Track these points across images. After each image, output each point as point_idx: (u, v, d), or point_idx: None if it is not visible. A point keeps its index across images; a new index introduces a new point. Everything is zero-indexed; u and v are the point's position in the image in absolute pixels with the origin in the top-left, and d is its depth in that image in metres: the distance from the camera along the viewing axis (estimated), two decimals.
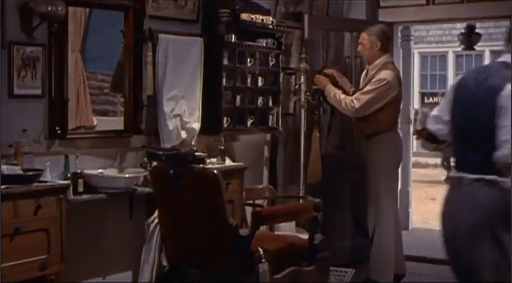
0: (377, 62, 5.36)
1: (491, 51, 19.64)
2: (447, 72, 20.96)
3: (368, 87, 5.27)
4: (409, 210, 8.16)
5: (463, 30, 8.45)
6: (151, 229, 4.10)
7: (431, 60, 21.40)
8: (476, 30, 8.35)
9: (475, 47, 8.53)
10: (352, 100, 5.29)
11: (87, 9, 4.69)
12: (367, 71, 5.51)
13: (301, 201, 5.68)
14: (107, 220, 4.59)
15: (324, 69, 5.71)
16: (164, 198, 3.59)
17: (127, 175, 4.34)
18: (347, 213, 6.14)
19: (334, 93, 5.40)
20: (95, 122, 4.84)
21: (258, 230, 3.41)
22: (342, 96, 5.38)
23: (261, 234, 3.48)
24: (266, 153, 6.06)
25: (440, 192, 10.86)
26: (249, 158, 5.54)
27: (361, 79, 5.59)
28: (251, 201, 5.21)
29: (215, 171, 3.33)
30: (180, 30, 5.01)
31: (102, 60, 5.00)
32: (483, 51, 19.65)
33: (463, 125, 2.99)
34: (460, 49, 18.66)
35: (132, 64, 4.65)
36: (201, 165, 3.64)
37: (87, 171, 4.30)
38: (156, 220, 3.92)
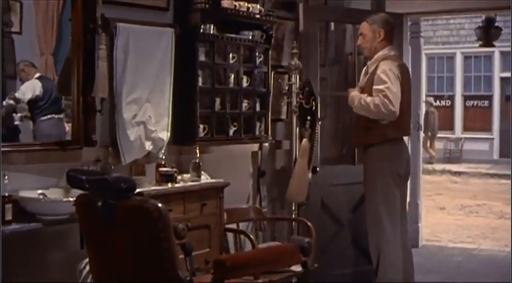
0: (377, 55, 4.75)
1: (501, 53, 19.14)
2: (455, 75, 20.58)
3: (378, 86, 4.59)
4: (419, 224, 7.55)
5: (480, 24, 7.68)
6: (82, 277, 3.24)
7: (438, 61, 21.03)
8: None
9: (494, 43, 7.74)
10: (384, 101, 4.55)
11: (59, 8, 4.12)
12: (367, 68, 4.86)
13: (293, 223, 5.13)
14: (52, 252, 3.82)
15: None
16: (94, 239, 2.72)
17: (71, 199, 3.47)
18: (348, 235, 5.61)
19: (359, 99, 4.71)
20: (67, 129, 4.15)
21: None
22: (368, 98, 4.66)
23: None
24: (252, 167, 5.36)
25: (449, 201, 10.63)
26: (231, 173, 4.83)
27: (361, 77, 4.95)
28: (234, 225, 4.62)
29: (159, 205, 2.45)
30: (146, 19, 4.30)
31: None
32: (492, 52, 19.18)
33: None
34: (468, 50, 18.07)
35: (81, 60, 3.89)
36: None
37: (22, 194, 3.56)
38: (88, 267, 3.07)
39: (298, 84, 5.13)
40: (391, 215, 4.72)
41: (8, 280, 3.43)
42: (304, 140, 5.04)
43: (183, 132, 4.48)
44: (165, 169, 4.20)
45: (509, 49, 18.22)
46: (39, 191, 3.67)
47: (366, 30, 4.78)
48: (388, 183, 4.70)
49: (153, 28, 4.28)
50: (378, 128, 4.67)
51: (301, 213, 5.14)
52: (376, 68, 4.67)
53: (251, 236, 4.35)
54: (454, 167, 17.82)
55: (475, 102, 20.54)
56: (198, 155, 4.41)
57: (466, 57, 20.54)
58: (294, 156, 5.21)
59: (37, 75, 4.05)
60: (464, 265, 6.77)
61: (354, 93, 4.77)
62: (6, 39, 3.90)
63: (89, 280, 3.31)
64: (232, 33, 4.74)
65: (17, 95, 3.98)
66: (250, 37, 4.86)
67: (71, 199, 3.53)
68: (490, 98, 20.21)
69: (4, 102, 3.88)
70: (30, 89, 4.03)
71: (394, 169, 4.74)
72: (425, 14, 6.91)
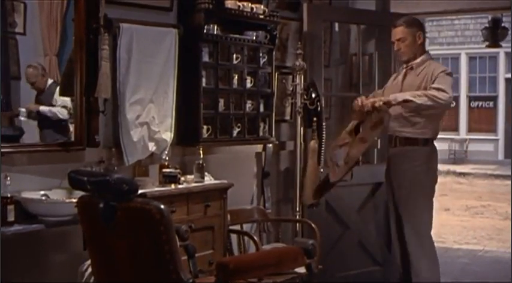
0: (419, 59, 4.53)
1: (506, 53, 19.08)
2: (460, 75, 20.52)
3: (438, 81, 4.37)
4: None
5: (486, 25, 7.60)
6: (84, 279, 3.20)
7: (443, 62, 20.99)
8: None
9: (501, 43, 7.66)
10: (437, 90, 4.29)
11: (63, 9, 4.06)
12: (407, 70, 4.60)
13: (297, 225, 5.05)
14: (54, 254, 3.79)
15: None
16: (95, 241, 2.68)
17: (73, 200, 3.44)
18: (353, 237, 5.51)
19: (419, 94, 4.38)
20: (70, 130, 4.07)
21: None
22: (415, 92, 4.37)
23: None
24: (256, 168, 5.29)
25: (454, 202, 10.53)
26: (235, 174, 4.75)
27: (400, 77, 4.67)
28: (237, 226, 4.57)
29: (161, 206, 2.42)
30: (149, 19, 4.24)
31: None
32: (497, 53, 19.11)
33: None
34: (473, 51, 18.01)
35: (84, 60, 3.85)
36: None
37: (25, 195, 3.54)
38: (90, 269, 3.03)
39: (302, 85, 5.04)
40: (431, 219, 4.59)
41: (10, 282, 3.40)
42: (312, 141, 4.94)
43: (186, 132, 4.42)
44: (168, 170, 4.15)
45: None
46: (42, 192, 3.64)
47: (404, 34, 4.51)
48: (433, 185, 4.56)
49: (156, 28, 4.22)
50: (427, 125, 4.50)
51: (306, 215, 5.07)
52: (425, 68, 4.48)
53: (255, 237, 4.29)
54: (459, 168, 17.77)
55: (480, 103, 20.48)
56: (201, 156, 4.34)
57: (471, 58, 20.47)
58: (299, 157, 5.13)
59: (50, 81, 4.01)
60: (470, 267, 6.71)
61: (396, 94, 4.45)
62: (10, 40, 3.87)
63: (91, 282, 3.26)
64: (236, 34, 4.67)
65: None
66: (254, 37, 4.78)
67: (73, 200, 3.49)
68: (495, 98, 20.15)
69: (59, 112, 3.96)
70: None
71: (436, 171, 4.60)
72: (430, 14, 6.82)
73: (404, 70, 4.63)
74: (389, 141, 4.68)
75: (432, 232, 8.01)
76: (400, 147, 4.57)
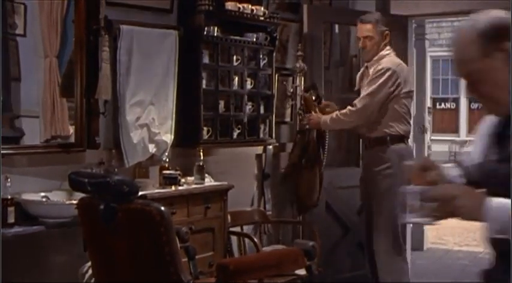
0: (377, 56, 4.53)
1: None
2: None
3: (367, 87, 4.44)
4: (424, 227, 7.51)
5: None
6: (84, 280, 3.20)
7: (443, 64, 20.97)
8: None
9: None
10: (349, 107, 4.48)
11: (63, 10, 4.03)
12: (365, 70, 4.63)
13: (297, 226, 5.12)
14: (55, 255, 3.79)
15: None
16: (96, 242, 2.69)
17: (74, 201, 3.44)
18: (353, 238, 5.51)
19: (331, 118, 4.60)
20: (71, 131, 4.08)
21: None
22: (337, 112, 4.59)
23: None
24: (256, 170, 5.28)
25: None
26: (235, 176, 4.75)
27: (357, 80, 4.75)
28: (238, 228, 4.58)
29: (162, 208, 2.43)
30: (149, 21, 4.25)
31: None
32: None
33: None
34: None
35: (84, 62, 3.86)
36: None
37: (25, 196, 3.54)
38: (91, 271, 3.03)
39: (302, 87, 5.04)
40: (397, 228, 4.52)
41: None
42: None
43: (186, 134, 4.41)
44: (168, 172, 4.14)
45: None
46: (42, 194, 3.63)
47: (372, 32, 4.49)
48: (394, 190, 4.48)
49: (156, 30, 4.22)
50: (393, 122, 4.48)
51: (306, 216, 5.07)
52: (375, 67, 4.49)
53: (255, 239, 4.29)
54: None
55: (480, 105, 20.44)
56: (201, 158, 4.34)
57: None
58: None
59: None
60: (470, 269, 6.69)
61: (323, 118, 4.64)
62: (10, 42, 3.87)
63: None
64: (236, 35, 4.66)
65: None
66: (254, 39, 4.78)
67: (73, 202, 3.49)
68: None
69: None
70: None
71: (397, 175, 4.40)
72: (430, 16, 6.79)
73: (362, 70, 4.66)
74: (362, 144, 4.68)
75: (432, 234, 8.05)
76: (369, 149, 4.56)
